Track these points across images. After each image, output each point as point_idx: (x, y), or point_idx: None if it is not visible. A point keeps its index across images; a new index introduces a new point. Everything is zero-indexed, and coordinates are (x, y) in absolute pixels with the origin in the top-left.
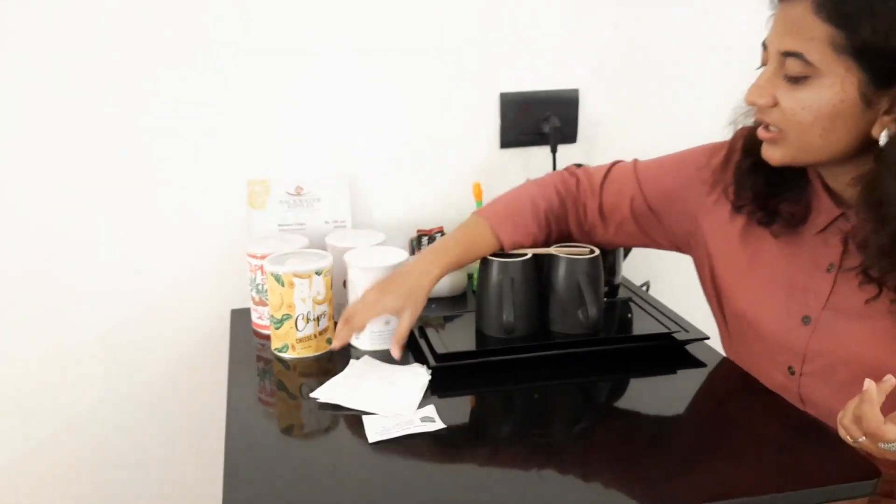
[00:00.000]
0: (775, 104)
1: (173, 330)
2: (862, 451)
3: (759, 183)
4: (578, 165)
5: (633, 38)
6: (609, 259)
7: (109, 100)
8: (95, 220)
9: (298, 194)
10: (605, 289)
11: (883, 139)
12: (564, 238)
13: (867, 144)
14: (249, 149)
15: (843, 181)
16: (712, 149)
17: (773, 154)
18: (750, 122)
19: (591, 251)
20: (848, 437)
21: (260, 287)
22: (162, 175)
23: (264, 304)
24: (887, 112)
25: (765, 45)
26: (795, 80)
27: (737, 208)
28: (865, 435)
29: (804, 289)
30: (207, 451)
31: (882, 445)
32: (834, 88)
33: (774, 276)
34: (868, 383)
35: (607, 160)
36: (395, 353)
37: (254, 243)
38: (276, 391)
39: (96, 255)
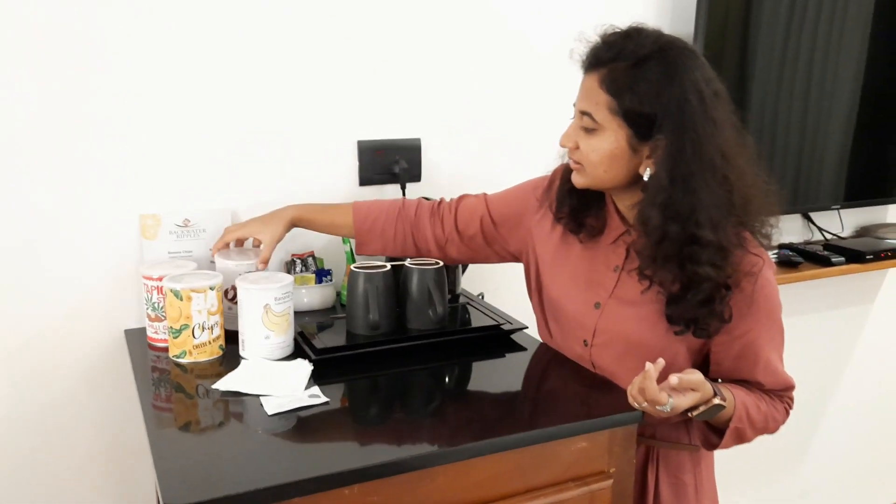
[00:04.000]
0: (577, 147)
1: (72, 349)
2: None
3: (573, 202)
4: (427, 198)
5: (465, 97)
6: (451, 276)
7: (16, 137)
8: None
9: (186, 226)
10: (449, 296)
11: (646, 176)
12: (421, 249)
13: (639, 178)
14: (141, 186)
15: (627, 205)
16: (542, 178)
17: (577, 180)
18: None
19: (437, 263)
20: (634, 403)
21: (156, 305)
22: (60, 208)
23: (160, 320)
24: (648, 157)
25: (574, 105)
26: (588, 131)
27: (557, 219)
28: (647, 401)
29: (597, 283)
30: (112, 459)
31: (658, 408)
32: (610, 139)
33: (578, 272)
34: (648, 365)
35: (447, 195)
36: (261, 267)
37: (149, 267)
38: (174, 392)
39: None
